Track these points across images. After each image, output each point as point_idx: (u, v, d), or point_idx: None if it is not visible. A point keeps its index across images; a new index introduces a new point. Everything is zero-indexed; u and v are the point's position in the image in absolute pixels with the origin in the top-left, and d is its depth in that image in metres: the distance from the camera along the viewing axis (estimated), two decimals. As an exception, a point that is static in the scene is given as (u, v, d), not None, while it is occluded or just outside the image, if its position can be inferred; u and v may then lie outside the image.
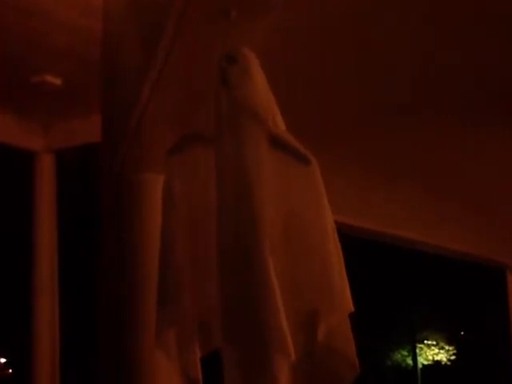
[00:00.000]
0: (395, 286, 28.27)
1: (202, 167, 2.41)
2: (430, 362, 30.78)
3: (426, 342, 30.75)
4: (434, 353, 30.81)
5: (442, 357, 30.79)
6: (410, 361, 30.72)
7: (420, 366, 30.53)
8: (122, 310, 3.58)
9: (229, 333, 2.20)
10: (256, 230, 2.17)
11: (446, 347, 30.77)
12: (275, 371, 2.16)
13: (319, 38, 2.89)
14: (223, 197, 2.27)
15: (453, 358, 30.72)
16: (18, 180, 7.34)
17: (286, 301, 2.17)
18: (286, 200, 2.27)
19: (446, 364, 30.75)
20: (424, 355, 30.78)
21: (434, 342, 30.76)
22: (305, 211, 2.26)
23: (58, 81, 5.51)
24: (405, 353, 30.80)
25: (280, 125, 2.34)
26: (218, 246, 2.26)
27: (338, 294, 2.24)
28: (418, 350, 30.61)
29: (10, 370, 21.15)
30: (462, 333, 30.61)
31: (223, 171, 2.28)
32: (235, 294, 2.19)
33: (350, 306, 2.26)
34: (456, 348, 30.64)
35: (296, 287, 2.23)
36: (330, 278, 2.24)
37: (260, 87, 2.32)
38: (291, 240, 2.25)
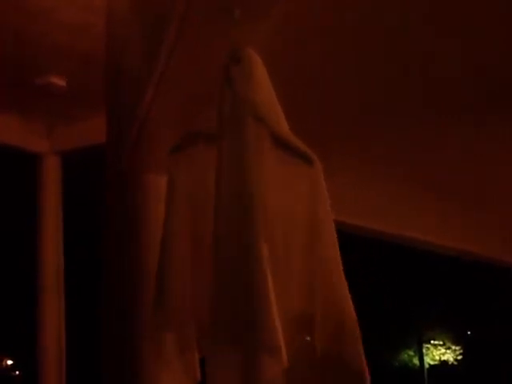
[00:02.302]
0: (401, 286, 28.26)
1: (204, 165, 2.39)
2: (436, 362, 30.75)
3: (432, 342, 30.73)
4: (440, 353, 30.78)
5: (449, 357, 30.76)
6: (416, 361, 30.70)
7: (427, 366, 30.50)
8: (125, 310, 3.60)
9: (219, 333, 2.17)
10: (253, 229, 2.15)
11: (453, 347, 30.74)
12: (268, 375, 2.12)
13: (319, 38, 2.90)
14: (221, 197, 2.25)
15: (459, 358, 30.69)
16: (23, 182, 7.37)
17: (283, 303, 2.13)
18: (288, 200, 2.24)
19: (452, 364, 30.72)
20: (431, 355, 30.75)
21: (441, 342, 30.73)
22: (304, 211, 2.23)
23: (62, 82, 5.54)
24: (411, 353, 30.78)
25: (283, 126, 2.33)
26: (214, 246, 2.24)
27: (335, 301, 2.19)
28: (424, 350, 30.58)
29: (18, 372, 21.17)
30: (469, 333, 30.56)
31: (223, 170, 2.27)
32: (227, 295, 2.16)
33: (349, 316, 2.18)
34: (463, 348, 30.61)
35: (294, 290, 2.19)
36: (330, 284, 2.21)
37: (264, 88, 2.32)
38: (291, 240, 2.21)
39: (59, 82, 5.53)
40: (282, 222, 2.21)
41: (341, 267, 2.25)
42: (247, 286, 2.12)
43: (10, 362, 21.51)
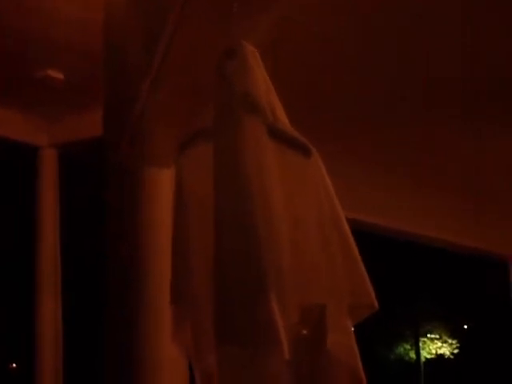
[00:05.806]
0: (398, 279, 28.26)
1: (205, 164, 2.35)
2: (433, 356, 30.74)
3: (428, 335, 30.73)
4: (437, 346, 30.77)
5: (445, 350, 30.75)
6: (413, 354, 30.68)
7: (423, 359, 30.51)
8: (126, 303, 3.60)
9: (222, 331, 2.14)
10: (255, 227, 2.12)
11: (449, 341, 30.74)
12: (271, 369, 2.11)
13: (325, 32, 2.90)
14: (220, 193, 2.23)
15: (456, 351, 30.70)
16: (21, 174, 7.35)
17: (291, 297, 2.11)
18: (288, 192, 2.21)
19: (449, 357, 30.73)
20: (427, 349, 30.74)
21: (437, 336, 30.73)
22: (306, 203, 2.21)
23: (60, 75, 5.54)
24: (408, 346, 30.78)
25: (282, 118, 2.30)
26: (216, 241, 2.21)
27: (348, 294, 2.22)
28: (420, 344, 30.59)
29: (14, 365, 21.09)
30: (466, 326, 30.57)
31: (221, 165, 2.25)
32: (228, 291, 2.14)
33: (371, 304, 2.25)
34: (459, 342, 30.63)
35: (303, 283, 2.16)
36: (338, 276, 2.20)
37: (259, 80, 2.29)
38: (296, 233, 2.18)
39: (57, 75, 5.53)
40: (286, 216, 2.17)
41: (356, 255, 2.27)
42: (247, 283, 2.10)
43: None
